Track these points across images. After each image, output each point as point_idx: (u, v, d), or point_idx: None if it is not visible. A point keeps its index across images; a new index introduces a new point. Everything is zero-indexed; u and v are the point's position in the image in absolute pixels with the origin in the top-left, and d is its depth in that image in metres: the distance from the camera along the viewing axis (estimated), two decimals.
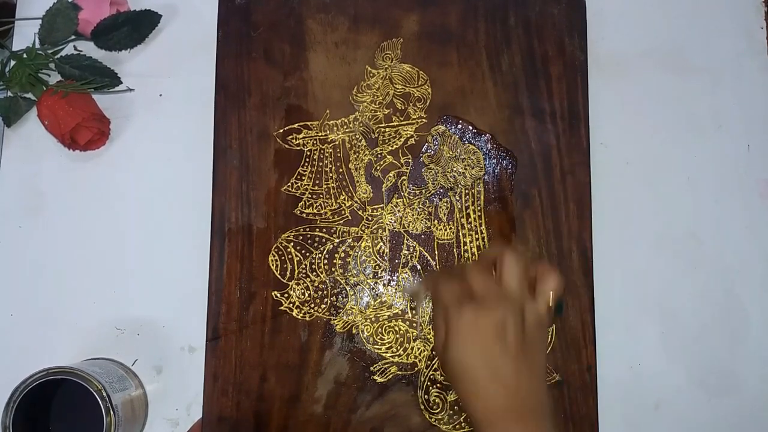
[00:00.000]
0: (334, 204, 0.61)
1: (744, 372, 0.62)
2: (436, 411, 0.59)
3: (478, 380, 0.45)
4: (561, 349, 0.60)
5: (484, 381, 0.45)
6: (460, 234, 0.61)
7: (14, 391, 0.53)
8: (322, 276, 0.60)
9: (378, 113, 0.63)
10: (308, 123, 0.62)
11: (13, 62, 0.63)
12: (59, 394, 0.57)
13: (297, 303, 0.60)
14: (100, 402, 0.53)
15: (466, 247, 0.61)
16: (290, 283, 0.60)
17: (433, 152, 0.62)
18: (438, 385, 0.59)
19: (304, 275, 0.60)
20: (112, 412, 0.53)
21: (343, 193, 0.61)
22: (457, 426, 0.59)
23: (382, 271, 0.61)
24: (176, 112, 0.65)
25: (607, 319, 0.61)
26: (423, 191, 0.62)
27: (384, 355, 0.60)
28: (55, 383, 0.54)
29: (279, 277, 0.60)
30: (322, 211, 0.61)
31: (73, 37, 0.64)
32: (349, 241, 0.61)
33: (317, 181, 0.61)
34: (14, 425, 0.52)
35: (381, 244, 0.61)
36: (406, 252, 0.61)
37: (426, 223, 0.61)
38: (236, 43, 0.63)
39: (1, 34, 0.66)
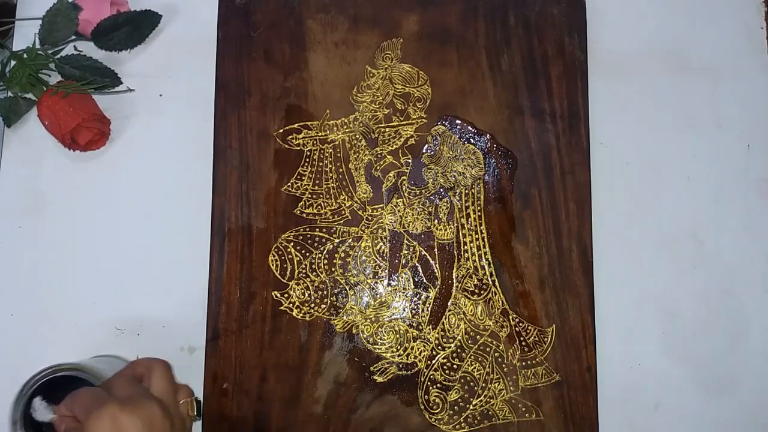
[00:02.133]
0: (334, 204, 0.61)
1: (744, 372, 0.62)
2: (436, 411, 0.59)
3: None
4: (561, 349, 0.60)
5: None
6: (460, 234, 0.61)
7: (23, 386, 0.53)
8: (322, 276, 0.60)
9: (378, 113, 0.63)
10: (308, 123, 0.62)
11: (13, 62, 0.63)
12: (68, 390, 0.57)
13: (297, 303, 0.60)
14: None
15: (466, 247, 0.61)
16: (290, 283, 0.60)
17: (433, 152, 0.62)
18: (438, 385, 0.59)
19: (304, 275, 0.60)
20: None
21: (343, 193, 0.61)
22: (457, 426, 0.59)
23: (382, 271, 0.61)
24: (176, 112, 0.65)
25: (607, 319, 0.61)
26: (423, 191, 0.62)
27: (384, 355, 0.60)
28: (64, 379, 0.54)
29: (279, 277, 0.60)
30: (322, 211, 0.61)
31: (73, 37, 0.64)
32: (349, 241, 0.61)
33: (317, 181, 0.61)
34: (24, 419, 0.52)
35: (381, 244, 0.61)
36: (406, 252, 0.61)
37: (426, 223, 0.61)
38: (236, 43, 0.63)
39: (1, 34, 0.66)
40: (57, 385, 0.54)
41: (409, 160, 0.62)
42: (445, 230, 0.61)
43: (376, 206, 0.61)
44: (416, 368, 0.59)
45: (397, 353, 0.60)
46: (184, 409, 0.48)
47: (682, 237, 0.64)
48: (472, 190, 0.62)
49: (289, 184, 0.61)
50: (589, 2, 0.65)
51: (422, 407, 0.59)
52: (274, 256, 0.60)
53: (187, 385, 0.49)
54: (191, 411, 0.48)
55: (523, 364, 0.60)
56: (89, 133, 0.62)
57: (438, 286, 0.60)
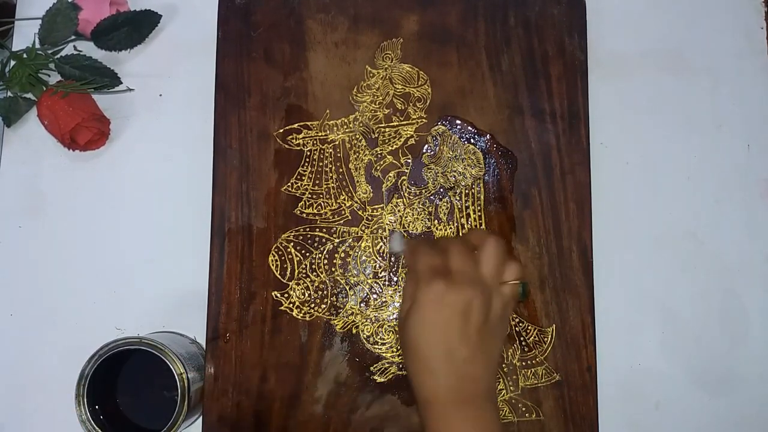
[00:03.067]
0: (334, 204, 0.61)
1: (744, 372, 0.62)
2: None
3: (431, 358, 0.44)
4: (561, 349, 0.60)
5: (437, 360, 0.44)
6: (460, 234, 0.61)
7: (88, 361, 0.53)
8: (322, 276, 0.60)
9: (378, 113, 0.63)
10: (308, 123, 0.62)
11: (13, 62, 0.63)
12: (129, 363, 0.57)
13: (297, 303, 0.60)
14: (179, 388, 0.53)
15: None
16: (290, 283, 0.60)
17: (433, 152, 0.62)
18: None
19: (304, 275, 0.60)
20: (186, 400, 0.53)
21: (343, 193, 0.61)
22: None
23: (382, 271, 0.61)
24: (176, 112, 0.65)
25: (607, 319, 0.61)
26: (423, 191, 0.62)
27: (384, 355, 0.60)
28: (128, 353, 0.54)
29: (279, 277, 0.60)
30: (322, 211, 0.61)
31: (73, 37, 0.64)
32: (349, 241, 0.61)
33: (317, 181, 0.61)
34: (88, 395, 0.53)
35: (381, 244, 0.61)
36: None
37: (426, 223, 0.61)
38: (236, 43, 0.63)
39: (1, 34, 0.66)
40: (119, 357, 0.54)
41: (409, 160, 0.62)
42: (445, 230, 0.61)
43: (376, 206, 0.61)
44: None
45: (398, 353, 0.59)
46: (507, 291, 0.47)
47: (682, 237, 0.64)
48: (472, 190, 0.62)
49: (289, 184, 0.61)
50: (589, 2, 0.65)
51: None
52: (274, 256, 0.60)
53: (516, 264, 0.48)
54: (516, 294, 0.48)
55: (523, 364, 0.60)
56: (89, 132, 0.62)
57: None
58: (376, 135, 0.62)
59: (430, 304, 0.44)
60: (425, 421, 0.45)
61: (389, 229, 0.58)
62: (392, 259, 0.61)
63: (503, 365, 0.59)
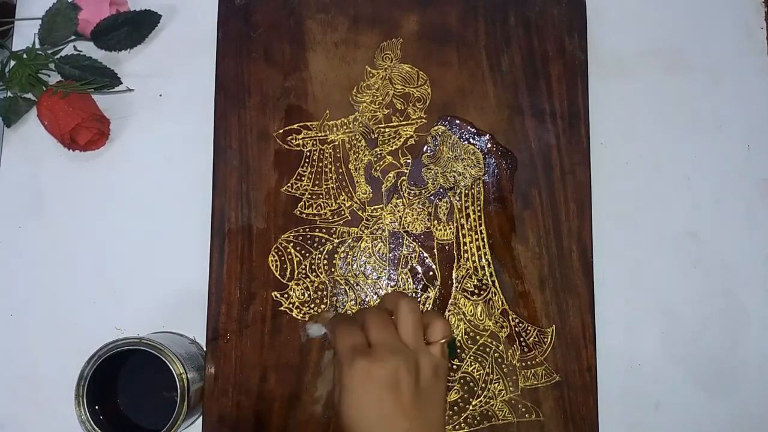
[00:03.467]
0: (333, 204, 0.61)
1: (744, 372, 0.62)
2: None
3: None
4: (561, 349, 0.60)
5: None
6: (460, 234, 0.61)
7: (88, 361, 0.53)
8: (321, 276, 0.60)
9: (378, 113, 0.63)
10: (308, 123, 0.62)
11: (12, 62, 0.63)
12: (129, 363, 0.57)
13: (297, 303, 0.60)
14: (179, 388, 0.53)
15: (465, 247, 0.61)
16: (290, 284, 0.60)
17: (432, 152, 0.62)
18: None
19: (303, 275, 0.60)
20: (186, 401, 0.53)
21: (343, 194, 0.61)
22: (457, 426, 0.59)
23: (382, 271, 0.61)
24: (176, 112, 0.65)
25: (607, 319, 0.61)
26: (423, 191, 0.62)
27: None
28: (128, 353, 0.54)
29: (279, 277, 0.60)
30: (321, 212, 0.61)
31: (72, 37, 0.64)
32: (349, 241, 0.61)
33: (317, 182, 0.61)
34: (87, 395, 0.53)
35: (381, 244, 0.61)
36: (406, 252, 0.61)
37: (426, 224, 0.61)
38: (236, 43, 0.63)
39: (1, 34, 0.66)
40: (118, 358, 0.54)
41: (409, 161, 0.62)
42: (445, 230, 0.61)
43: (375, 207, 0.61)
44: None
45: None
46: (435, 351, 0.47)
47: (682, 237, 0.64)
48: (472, 190, 0.62)
49: (289, 184, 0.61)
50: (589, 2, 0.65)
51: None
52: (274, 257, 0.60)
53: (440, 322, 0.47)
54: (443, 354, 0.47)
55: (523, 364, 0.60)
56: (89, 133, 0.62)
57: (437, 287, 0.60)
58: (376, 135, 0.62)
59: (357, 385, 0.44)
60: None
61: (308, 323, 0.59)
62: (392, 258, 0.61)
63: (503, 366, 0.59)
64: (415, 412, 0.44)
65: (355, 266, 0.61)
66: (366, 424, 0.43)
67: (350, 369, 0.44)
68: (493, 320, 0.60)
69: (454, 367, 0.59)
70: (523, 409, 0.59)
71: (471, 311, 0.60)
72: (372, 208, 0.61)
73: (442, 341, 0.47)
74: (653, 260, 0.64)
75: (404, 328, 0.46)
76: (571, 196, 0.62)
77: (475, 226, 0.61)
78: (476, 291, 0.60)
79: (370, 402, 0.43)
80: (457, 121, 0.62)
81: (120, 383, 0.57)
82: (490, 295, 0.60)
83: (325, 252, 0.61)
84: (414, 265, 0.61)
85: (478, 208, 0.61)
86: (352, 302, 0.60)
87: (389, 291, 0.60)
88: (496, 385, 0.59)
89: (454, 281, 0.60)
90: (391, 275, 0.61)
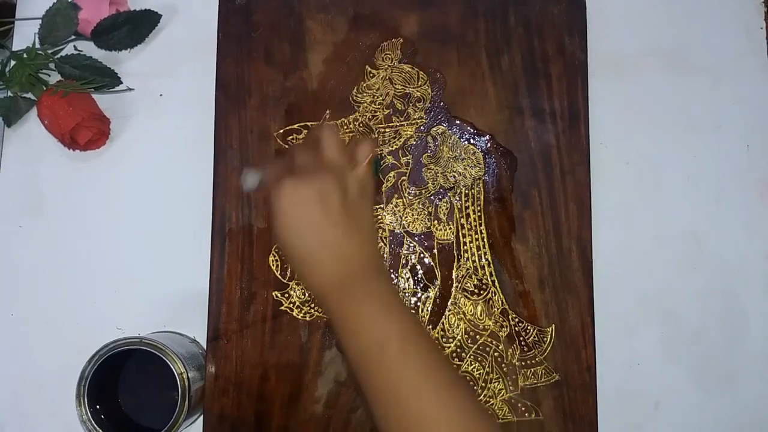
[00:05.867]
0: None
1: (744, 372, 0.62)
2: None
3: (308, 252, 0.45)
4: (561, 349, 0.60)
5: (314, 251, 0.44)
6: (460, 234, 0.61)
7: (89, 361, 0.53)
8: None
9: (378, 113, 0.63)
10: (308, 123, 0.62)
11: (13, 62, 0.63)
12: (130, 363, 0.57)
13: (297, 303, 0.60)
14: (179, 388, 0.53)
15: (466, 247, 0.61)
16: (290, 283, 0.60)
17: (433, 152, 0.62)
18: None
19: None
20: (187, 400, 0.53)
21: None
22: None
23: None
24: (176, 112, 0.65)
25: (607, 319, 0.61)
26: (423, 191, 0.62)
27: None
28: (125, 352, 0.54)
29: (279, 277, 0.60)
30: None
31: (73, 37, 0.64)
32: None
33: None
34: (88, 395, 0.53)
35: (381, 244, 0.61)
36: (406, 252, 0.61)
37: (426, 224, 0.61)
38: (236, 43, 0.63)
39: (1, 34, 0.66)
40: (121, 356, 0.54)
41: (409, 160, 0.62)
42: (445, 230, 0.61)
43: (376, 206, 0.61)
44: None
45: None
46: (361, 171, 0.48)
47: (682, 237, 0.64)
48: (472, 190, 0.62)
49: None
50: (589, 2, 0.65)
51: None
52: (274, 256, 0.60)
53: (365, 142, 0.48)
54: (369, 172, 0.48)
55: (523, 363, 0.60)
56: (89, 132, 0.62)
57: (438, 286, 0.60)
58: (376, 135, 0.62)
59: (288, 202, 0.44)
60: (329, 314, 0.45)
61: (243, 173, 0.54)
62: (392, 258, 0.61)
63: (503, 365, 0.59)
64: (344, 222, 0.45)
65: None
66: (300, 240, 0.44)
67: (278, 191, 0.45)
68: (493, 320, 0.60)
69: (454, 366, 0.59)
70: (523, 409, 0.59)
71: (471, 311, 0.60)
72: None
73: (366, 161, 0.48)
74: (653, 260, 0.64)
75: (327, 150, 0.47)
76: (571, 196, 0.62)
77: (475, 226, 0.61)
78: (476, 291, 0.60)
79: (300, 217, 0.44)
80: (457, 121, 0.63)
81: (121, 383, 0.57)
82: (489, 295, 0.60)
83: None
84: (414, 264, 0.61)
85: (478, 208, 0.62)
86: None
87: None
88: (495, 384, 0.59)
89: (454, 281, 0.60)
90: (392, 275, 0.61)
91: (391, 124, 0.62)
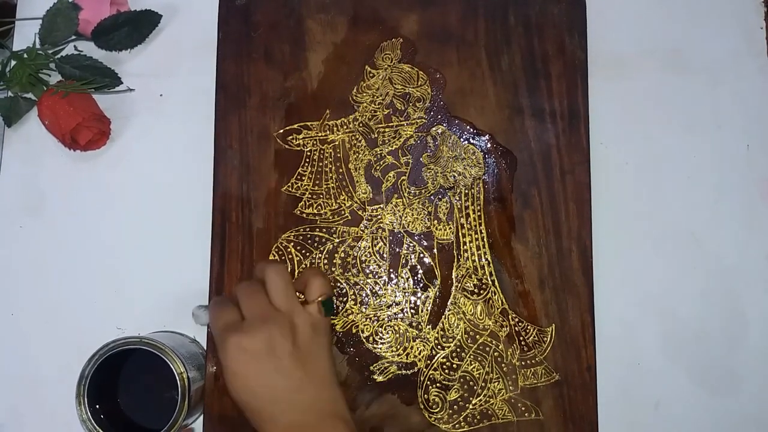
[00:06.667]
0: (333, 204, 0.61)
1: (744, 372, 0.62)
2: (436, 410, 0.59)
3: (262, 408, 0.44)
4: (561, 349, 0.60)
5: (268, 405, 0.43)
6: (460, 234, 0.61)
7: (89, 360, 0.53)
8: None
9: (378, 113, 0.63)
10: (308, 123, 0.62)
11: (13, 62, 0.63)
12: (129, 362, 0.57)
13: None
14: (179, 387, 0.53)
15: (465, 247, 0.61)
16: None
17: (432, 152, 0.62)
18: (437, 384, 0.59)
19: None
20: (187, 400, 0.53)
21: (343, 194, 0.62)
22: (457, 425, 0.59)
23: (382, 270, 0.61)
24: (176, 113, 0.65)
25: (607, 318, 0.61)
26: (423, 191, 0.62)
27: (384, 354, 0.60)
28: (125, 351, 0.54)
29: None
30: (322, 212, 0.61)
31: (73, 37, 0.64)
32: (349, 241, 0.61)
33: (317, 182, 0.62)
34: (88, 395, 0.53)
35: (381, 244, 0.61)
36: (406, 252, 0.61)
37: (426, 223, 0.61)
38: (236, 43, 0.63)
39: (1, 34, 0.66)
40: (121, 356, 0.54)
41: (409, 160, 0.62)
42: (445, 230, 0.61)
43: (375, 206, 0.61)
44: (416, 368, 0.59)
45: (397, 353, 0.60)
46: (312, 310, 0.47)
47: (682, 237, 0.64)
48: (472, 190, 0.62)
49: (289, 184, 0.61)
50: (589, 2, 0.65)
51: (422, 406, 0.59)
52: (274, 256, 0.60)
53: (317, 281, 0.47)
54: (320, 312, 0.47)
55: (523, 363, 0.60)
56: (89, 132, 0.62)
57: (438, 286, 0.60)
58: (376, 135, 0.62)
59: (234, 361, 0.44)
60: None
61: (194, 309, 0.59)
62: (392, 258, 0.61)
63: (503, 365, 0.59)
64: (297, 371, 0.44)
65: (355, 266, 0.61)
66: (252, 395, 0.44)
67: (224, 347, 0.44)
68: (492, 319, 0.60)
69: (454, 366, 0.59)
70: (523, 408, 0.59)
71: (471, 311, 0.60)
72: (372, 207, 0.61)
73: (318, 299, 0.47)
74: (653, 260, 0.64)
75: (274, 293, 0.46)
76: (571, 196, 0.62)
77: (475, 226, 0.61)
78: (476, 290, 0.60)
79: (250, 374, 0.44)
80: (457, 121, 0.63)
81: (121, 382, 0.57)
82: (489, 295, 0.60)
83: (325, 252, 0.61)
84: (414, 264, 0.61)
85: (478, 207, 0.62)
86: (352, 302, 0.60)
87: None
88: (495, 384, 0.59)
89: (454, 281, 0.60)
90: (391, 275, 0.61)
91: (391, 123, 0.63)
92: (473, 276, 0.61)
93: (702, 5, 0.68)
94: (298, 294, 0.49)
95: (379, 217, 0.61)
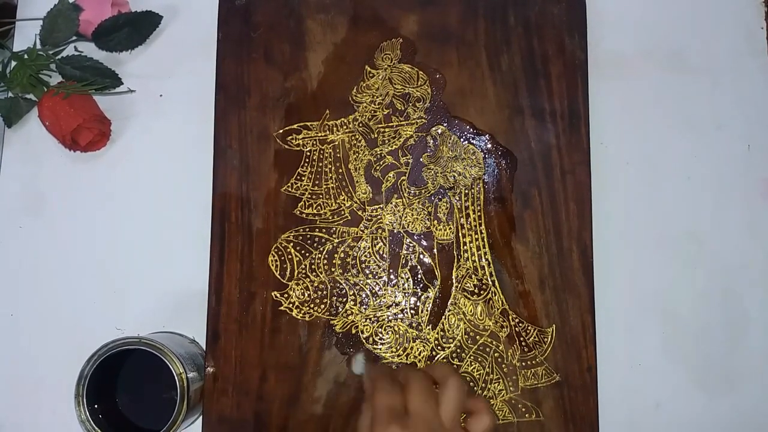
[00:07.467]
0: (333, 204, 0.61)
1: (744, 372, 0.62)
2: None
3: None
4: (561, 349, 0.60)
5: None
6: (460, 234, 0.61)
7: (88, 361, 0.53)
8: (321, 276, 0.60)
9: (378, 113, 0.63)
10: (308, 123, 0.62)
11: (14, 63, 0.63)
12: (129, 363, 0.57)
13: (297, 303, 0.60)
14: (178, 388, 0.53)
15: (465, 247, 0.61)
16: (290, 284, 0.60)
17: (432, 152, 0.62)
18: (436, 385, 0.59)
19: (303, 275, 0.60)
20: (186, 400, 0.53)
21: (343, 194, 0.62)
22: None
23: (381, 271, 0.61)
24: (176, 113, 0.65)
25: (607, 319, 0.61)
26: (423, 191, 0.62)
27: (384, 355, 0.60)
28: (124, 352, 0.54)
29: (279, 277, 0.60)
30: (321, 212, 0.61)
31: (74, 38, 0.65)
32: (349, 241, 0.61)
33: (317, 182, 0.62)
34: (87, 395, 0.53)
35: (381, 244, 0.61)
36: (406, 252, 0.61)
37: (425, 224, 0.61)
38: (236, 43, 0.63)
39: (2, 34, 0.66)
40: (119, 356, 0.54)
41: (409, 160, 0.62)
42: (445, 230, 0.61)
43: (375, 206, 0.61)
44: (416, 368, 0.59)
45: (397, 353, 0.59)
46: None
47: (682, 237, 0.64)
48: (472, 190, 0.62)
49: (289, 184, 0.61)
50: (589, 2, 0.65)
51: None
52: (273, 257, 0.60)
53: (487, 417, 0.45)
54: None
55: (523, 364, 0.59)
56: (90, 133, 0.62)
57: (438, 286, 0.60)
58: (376, 135, 0.62)
59: None
60: None
61: (357, 356, 0.59)
62: (392, 258, 0.61)
63: (503, 366, 0.59)
64: None
65: (355, 266, 0.61)
66: None
67: (381, 427, 0.42)
68: (493, 320, 0.60)
69: (454, 366, 0.59)
70: (523, 409, 0.59)
71: (471, 311, 0.60)
72: (372, 208, 0.61)
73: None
74: (653, 260, 0.64)
75: (446, 407, 0.44)
76: (571, 196, 0.61)
77: (475, 226, 0.61)
78: (476, 291, 0.60)
79: None
80: (457, 121, 0.63)
81: (120, 383, 0.57)
82: (490, 295, 0.60)
83: (325, 252, 0.61)
84: (414, 264, 0.61)
85: (478, 208, 0.61)
86: (352, 302, 0.60)
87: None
88: (496, 384, 0.59)
89: (454, 281, 0.60)
90: (391, 275, 0.61)
91: (391, 123, 0.63)
92: (473, 276, 0.60)
93: (702, 5, 0.68)
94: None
95: (379, 217, 0.61)
